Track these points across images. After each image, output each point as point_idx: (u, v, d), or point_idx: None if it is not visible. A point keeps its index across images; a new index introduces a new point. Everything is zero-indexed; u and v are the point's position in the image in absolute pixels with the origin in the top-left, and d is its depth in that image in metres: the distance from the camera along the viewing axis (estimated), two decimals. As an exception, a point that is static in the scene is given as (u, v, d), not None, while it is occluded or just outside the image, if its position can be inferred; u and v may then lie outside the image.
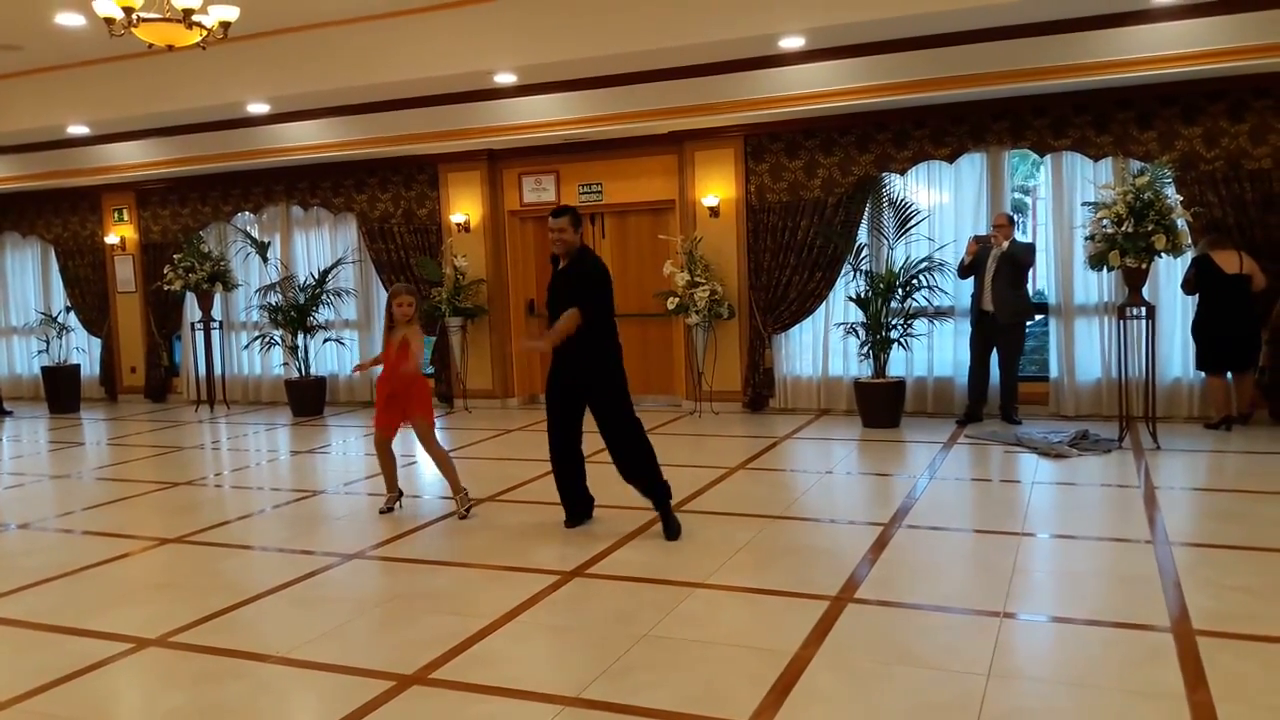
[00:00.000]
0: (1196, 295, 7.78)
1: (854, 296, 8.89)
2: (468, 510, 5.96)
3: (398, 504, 6.21)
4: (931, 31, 7.20)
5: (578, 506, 5.68)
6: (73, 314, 12.65)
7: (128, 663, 3.92)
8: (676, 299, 9.33)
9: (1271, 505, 5.66)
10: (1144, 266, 7.13)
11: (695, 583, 4.56)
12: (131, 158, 11.01)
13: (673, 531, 5.32)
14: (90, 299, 12.61)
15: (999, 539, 5.19)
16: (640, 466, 5.39)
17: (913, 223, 8.75)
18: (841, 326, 9.12)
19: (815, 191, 9.14)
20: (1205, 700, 3.19)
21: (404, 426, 6.08)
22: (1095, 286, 8.50)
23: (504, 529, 5.70)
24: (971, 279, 8.52)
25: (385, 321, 6.17)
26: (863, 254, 8.93)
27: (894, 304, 8.60)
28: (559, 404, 5.56)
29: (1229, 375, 7.82)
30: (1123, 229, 6.95)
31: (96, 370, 12.73)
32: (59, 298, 12.86)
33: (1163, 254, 7.03)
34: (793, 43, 7.45)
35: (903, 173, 8.91)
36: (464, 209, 10.55)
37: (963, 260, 8.50)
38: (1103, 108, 8.14)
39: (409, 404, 6.00)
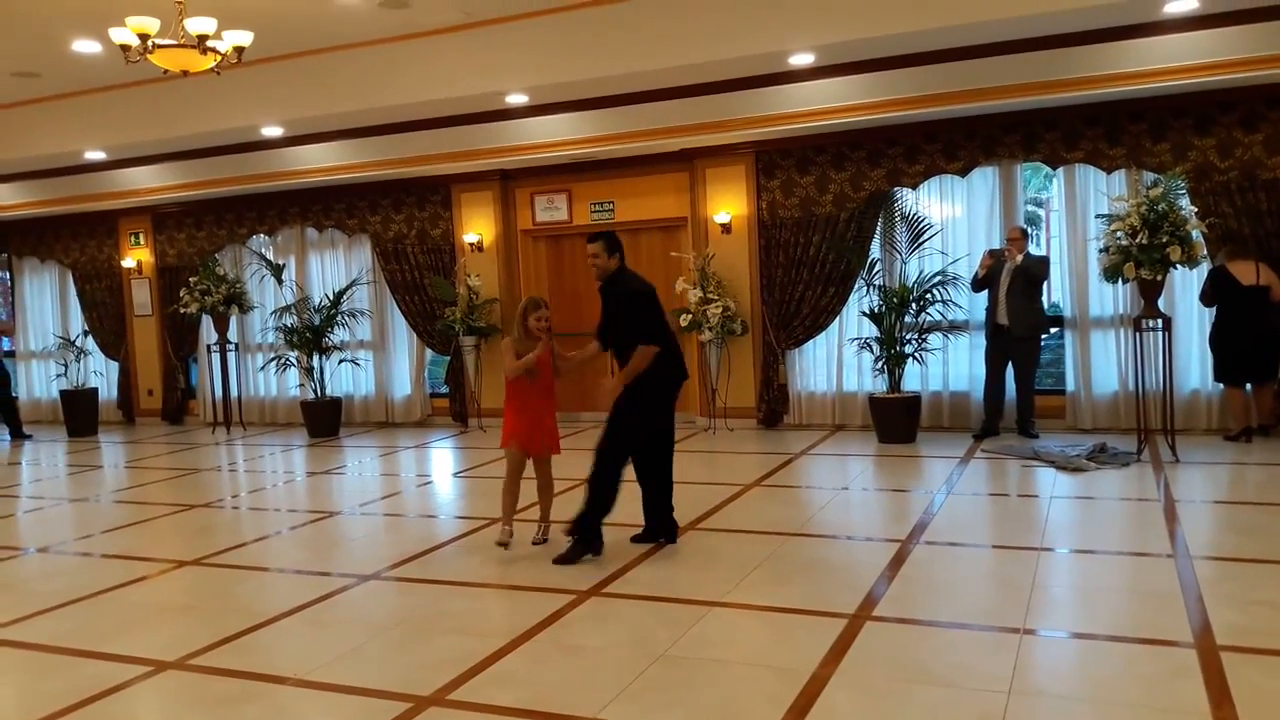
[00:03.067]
0: (1214, 307, 7.74)
1: (868, 311, 8.87)
2: (544, 538, 5.71)
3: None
4: (940, 46, 7.21)
5: (651, 522, 5.61)
6: (90, 338, 12.73)
7: (147, 686, 3.93)
8: (689, 316, 9.33)
9: (1294, 518, 5.60)
10: (1159, 278, 7.08)
11: (712, 601, 4.54)
12: (147, 182, 11.13)
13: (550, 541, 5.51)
14: (107, 322, 12.70)
15: (1018, 554, 5.15)
16: (593, 478, 5.36)
17: (925, 237, 8.74)
18: (855, 342, 9.10)
19: (827, 207, 9.14)
20: (1230, 717, 3.15)
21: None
22: (1110, 299, 8.46)
23: (521, 549, 5.68)
24: (986, 293, 8.49)
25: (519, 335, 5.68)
26: (876, 269, 8.91)
27: (908, 318, 8.58)
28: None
29: (1248, 386, 7.76)
30: (1137, 241, 6.91)
31: (114, 393, 12.80)
32: (77, 321, 12.96)
33: (1178, 265, 6.99)
34: (802, 60, 7.48)
35: (915, 187, 8.91)
36: (477, 229, 10.59)
37: (976, 273, 8.48)
38: (1115, 119, 8.12)
39: (550, 430, 5.78)
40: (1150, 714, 3.24)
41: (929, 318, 8.63)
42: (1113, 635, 3.94)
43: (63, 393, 12.26)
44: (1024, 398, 8.43)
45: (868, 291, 8.93)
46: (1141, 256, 6.92)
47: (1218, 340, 7.72)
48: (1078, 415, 8.61)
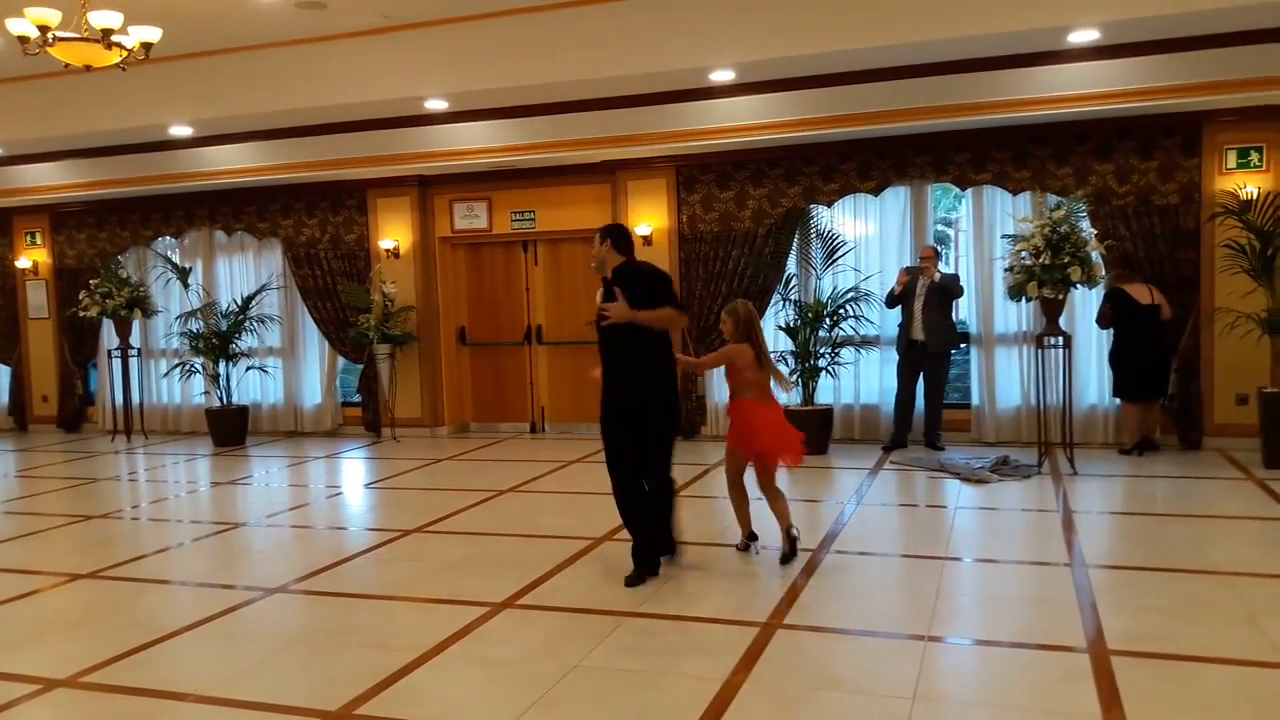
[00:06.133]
0: (1111, 328, 8.05)
1: (783, 326, 9.01)
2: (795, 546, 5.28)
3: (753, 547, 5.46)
4: (856, 68, 7.39)
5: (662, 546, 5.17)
6: (-19, 340, 12.18)
7: (35, 705, 3.76)
8: (608, 327, 9.33)
9: (1182, 527, 5.87)
10: (1060, 297, 7.37)
11: (626, 612, 4.55)
12: (46, 179, 10.70)
13: (636, 577, 4.97)
14: (0, 325, 12.15)
15: (924, 564, 5.28)
16: (662, 517, 5.14)
17: (839, 254, 8.91)
18: (771, 355, 9.19)
19: (746, 222, 9.26)
20: (1119, 719, 3.27)
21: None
22: (1014, 317, 8.75)
23: (433, 561, 5.62)
24: (899, 309, 8.69)
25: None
26: (791, 284, 9.06)
27: (822, 333, 8.74)
28: (616, 431, 5.09)
29: (1142, 403, 8.09)
30: (1040, 261, 7.18)
31: (5, 399, 12.25)
32: (-34, 324, 12.38)
33: (1078, 285, 7.28)
34: (723, 76, 7.58)
35: (830, 205, 9.09)
36: (393, 235, 10.45)
37: (892, 290, 8.67)
38: (1021, 144, 8.41)
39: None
40: (1045, 717, 3.36)
41: (842, 332, 8.80)
42: (1012, 642, 4.07)
43: (-50, 398, 11.70)
44: (934, 411, 8.66)
45: (784, 306, 9.07)
46: (1044, 276, 7.19)
47: (1118, 358, 8.02)
48: (982, 429, 8.87)
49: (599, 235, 5.24)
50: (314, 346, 11.00)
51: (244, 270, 11.23)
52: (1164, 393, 8.11)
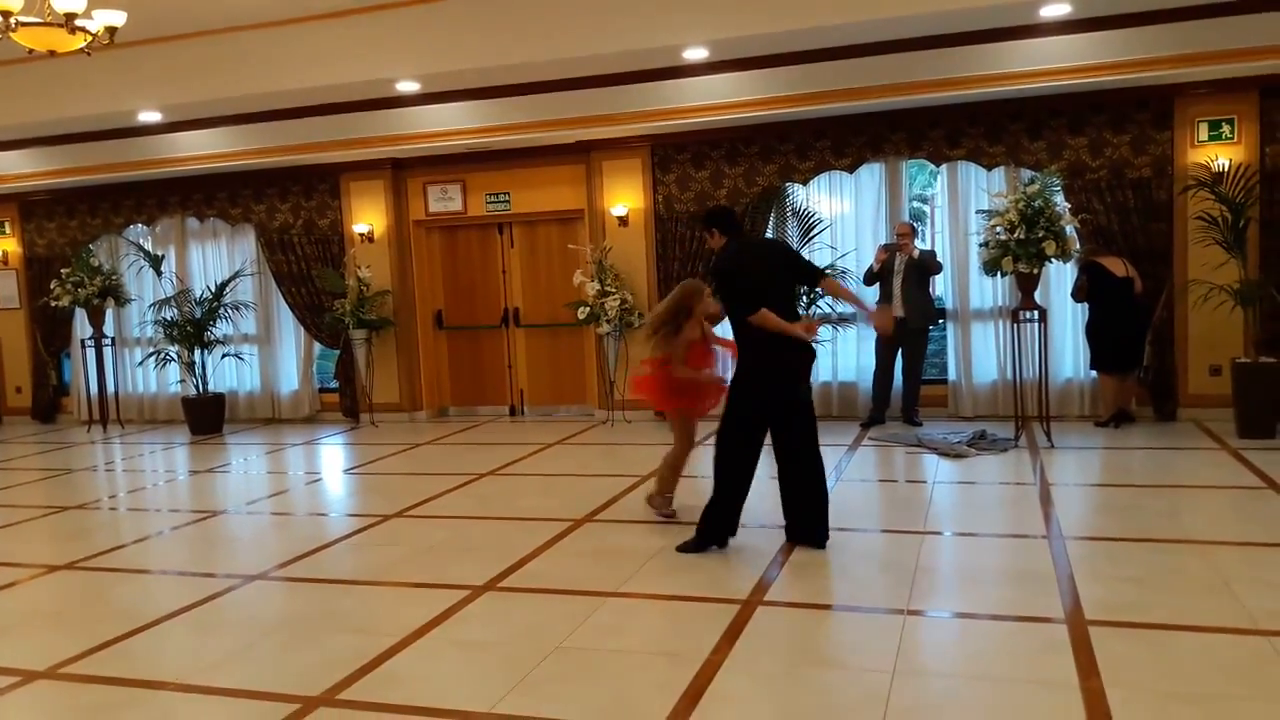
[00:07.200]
0: (1087, 301, 8.10)
1: (761, 304, 9.00)
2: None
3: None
4: (830, 44, 7.36)
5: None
6: (-50, 332, 12.01)
7: (14, 697, 3.73)
8: (587, 308, 9.33)
9: (1157, 498, 5.93)
10: (1035, 272, 7.41)
11: (608, 592, 4.56)
12: (14, 167, 10.52)
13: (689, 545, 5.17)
14: (-30, 316, 12.01)
15: (903, 538, 5.32)
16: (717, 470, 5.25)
17: (815, 231, 8.92)
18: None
19: (722, 201, 9.24)
20: (1097, 687, 3.32)
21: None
22: (990, 291, 8.79)
23: (413, 545, 5.61)
24: (878, 286, 8.71)
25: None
26: (768, 262, 9.05)
27: (799, 311, 8.73)
28: None
29: (1119, 374, 8.16)
30: (1015, 236, 7.21)
31: (-22, 391, 12.12)
32: (-65, 315, 12.20)
33: (1053, 259, 7.32)
34: (696, 54, 7.53)
35: (805, 183, 9.08)
36: (367, 219, 10.37)
37: (871, 267, 8.68)
38: (995, 119, 8.43)
39: None
40: (1024, 688, 3.39)
41: (819, 310, 8.82)
42: (991, 614, 4.11)
43: (-80, 391, 11.55)
44: (912, 387, 8.70)
45: (761, 284, 9.06)
46: (1019, 251, 7.22)
47: (1097, 331, 8.07)
48: (959, 403, 8.92)
49: (704, 229, 5.47)
50: (290, 333, 10.92)
51: (217, 257, 11.12)
52: (1139, 364, 8.19)
